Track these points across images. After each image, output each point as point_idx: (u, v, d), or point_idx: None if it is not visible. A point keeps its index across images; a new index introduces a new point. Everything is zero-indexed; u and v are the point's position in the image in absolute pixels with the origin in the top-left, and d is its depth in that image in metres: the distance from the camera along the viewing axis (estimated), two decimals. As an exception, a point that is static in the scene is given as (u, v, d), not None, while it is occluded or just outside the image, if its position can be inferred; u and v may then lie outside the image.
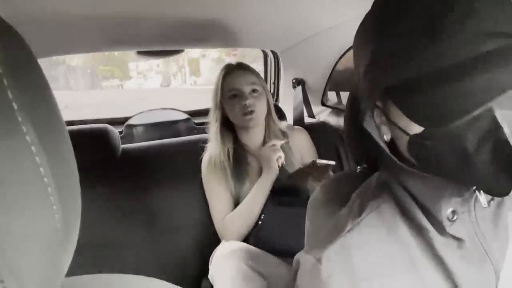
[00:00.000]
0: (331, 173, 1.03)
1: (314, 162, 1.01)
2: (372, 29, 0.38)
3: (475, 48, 0.29)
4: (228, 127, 1.12)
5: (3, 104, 0.16)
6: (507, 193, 0.33)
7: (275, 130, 1.16)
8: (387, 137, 0.40)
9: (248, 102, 1.04)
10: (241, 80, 1.07)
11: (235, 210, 1.06)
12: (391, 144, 0.41)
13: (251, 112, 1.05)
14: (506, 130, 0.31)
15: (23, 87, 0.18)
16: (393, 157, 0.38)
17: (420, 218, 0.39)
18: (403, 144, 0.38)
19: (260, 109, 1.08)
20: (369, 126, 0.39)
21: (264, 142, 1.15)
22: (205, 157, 1.15)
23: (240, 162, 1.11)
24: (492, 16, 0.30)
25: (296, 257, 0.45)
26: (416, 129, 0.34)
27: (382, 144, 0.39)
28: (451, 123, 0.30)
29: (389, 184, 0.42)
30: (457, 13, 0.30)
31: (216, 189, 1.10)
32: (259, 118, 1.10)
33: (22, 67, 0.19)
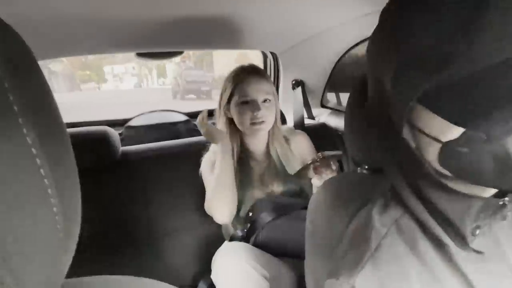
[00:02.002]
0: (335, 166, 1.02)
1: (322, 154, 1.00)
2: (395, 32, 0.36)
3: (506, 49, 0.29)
4: (235, 129, 1.11)
5: (3, 107, 0.17)
6: None
7: (279, 136, 1.16)
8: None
9: (260, 113, 1.03)
10: (256, 88, 1.04)
11: (208, 192, 1.07)
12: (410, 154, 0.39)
13: (261, 122, 1.04)
14: None
15: (24, 90, 0.18)
16: (432, 168, 0.37)
17: (439, 232, 0.38)
18: (431, 152, 0.36)
19: (270, 119, 1.07)
20: (407, 136, 0.38)
21: (267, 147, 1.15)
22: (208, 155, 1.14)
23: (244, 166, 1.10)
24: None
25: (326, 285, 0.44)
26: (451, 135, 0.33)
27: (418, 154, 0.37)
28: (493, 125, 0.29)
29: (404, 196, 0.41)
30: (494, 15, 0.29)
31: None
32: (267, 128, 1.09)
33: (23, 69, 0.19)
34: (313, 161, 1.00)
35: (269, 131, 1.14)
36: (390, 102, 0.38)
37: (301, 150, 1.19)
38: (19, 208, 0.17)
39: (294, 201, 1.07)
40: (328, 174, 0.96)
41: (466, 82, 0.30)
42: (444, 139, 0.33)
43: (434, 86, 0.32)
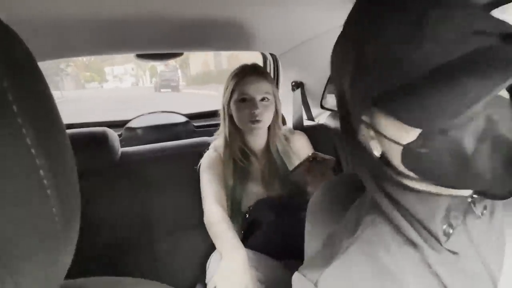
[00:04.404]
0: (328, 170, 1.03)
1: (314, 154, 1.01)
2: (353, 39, 0.37)
3: (460, 48, 0.30)
4: (237, 126, 1.12)
5: (3, 106, 0.17)
6: (511, 194, 0.33)
7: (279, 135, 1.17)
8: (377, 152, 0.39)
9: (257, 111, 1.04)
10: (255, 87, 1.05)
11: (212, 226, 1.01)
12: (382, 160, 0.39)
13: (258, 121, 1.05)
14: (502, 126, 0.30)
15: (23, 90, 0.18)
16: (399, 171, 0.37)
17: (412, 235, 0.38)
18: (395, 156, 0.36)
19: (267, 118, 1.08)
20: (366, 135, 0.38)
21: (267, 146, 1.15)
22: (209, 153, 1.14)
23: (244, 163, 1.11)
24: (468, 18, 0.30)
25: (293, 280, 0.44)
26: (409, 137, 0.33)
27: (376, 158, 0.38)
28: (448, 122, 0.30)
29: (377, 199, 0.41)
30: (436, 16, 0.31)
31: (215, 180, 1.08)
32: (264, 127, 1.10)
33: (22, 69, 0.19)
34: (305, 161, 1.01)
35: (269, 129, 1.15)
36: (348, 105, 0.39)
37: (299, 150, 1.19)
38: (18, 208, 0.17)
39: (294, 201, 1.07)
40: (320, 179, 0.96)
41: (416, 83, 0.31)
42: (404, 141, 0.34)
43: (388, 90, 0.33)
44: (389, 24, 0.33)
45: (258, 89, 1.05)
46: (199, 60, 20.82)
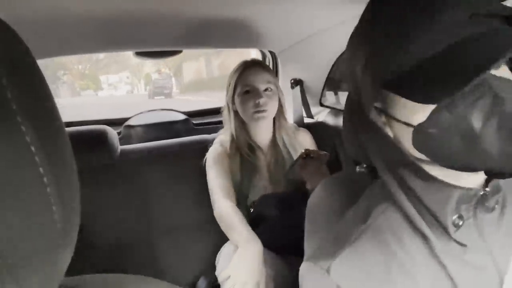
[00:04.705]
0: (322, 166, 1.03)
1: (307, 151, 1.02)
2: (367, 28, 0.39)
3: (468, 29, 0.31)
4: (242, 121, 1.13)
5: (2, 104, 0.17)
6: None
7: (286, 127, 1.17)
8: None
9: (261, 100, 1.05)
10: (256, 78, 1.07)
11: (224, 219, 1.00)
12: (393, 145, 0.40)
13: (264, 110, 1.06)
14: (509, 103, 0.31)
15: (22, 88, 0.18)
16: (410, 155, 0.38)
17: (422, 225, 0.38)
18: (406, 139, 0.37)
19: (272, 107, 1.09)
20: (378, 120, 0.39)
21: (273, 139, 1.16)
22: (215, 147, 1.14)
23: (251, 157, 1.11)
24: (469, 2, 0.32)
25: (301, 269, 0.44)
26: (419, 118, 0.34)
27: (395, 142, 0.38)
28: (454, 93, 0.31)
29: (390, 188, 0.41)
30: (444, 3, 0.32)
31: (222, 174, 1.07)
32: (270, 117, 1.11)
33: (21, 67, 0.19)
34: (298, 159, 1.01)
35: (275, 122, 1.15)
36: (362, 91, 0.40)
37: (304, 147, 1.19)
38: (17, 206, 0.17)
39: (299, 196, 1.07)
40: (316, 175, 0.97)
41: (426, 63, 0.32)
42: (415, 122, 0.35)
43: (399, 71, 0.34)
44: (400, 6, 0.34)
45: (260, 79, 1.07)
46: (192, 68, 21.48)
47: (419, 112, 0.34)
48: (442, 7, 0.32)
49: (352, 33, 0.42)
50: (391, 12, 0.35)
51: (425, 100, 0.33)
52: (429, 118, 0.33)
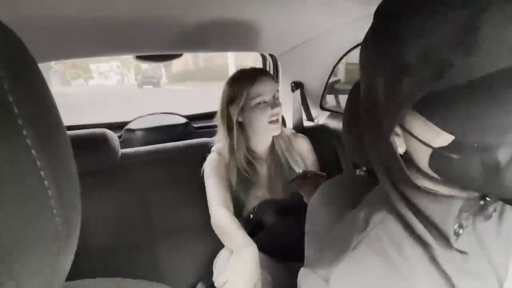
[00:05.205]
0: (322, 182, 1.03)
1: (305, 172, 1.02)
2: (387, 43, 0.35)
3: (509, 59, 0.28)
4: (243, 132, 1.11)
5: (3, 108, 0.17)
6: None
7: (283, 135, 1.16)
8: (401, 149, 0.38)
9: (276, 110, 1.04)
10: (267, 88, 1.04)
11: (221, 228, 0.99)
12: (403, 157, 0.39)
13: (277, 120, 1.05)
14: None
15: (24, 91, 0.18)
16: (421, 170, 0.37)
17: (423, 233, 0.38)
18: (422, 157, 0.36)
19: (280, 117, 1.09)
20: (394, 140, 0.37)
21: (272, 147, 1.15)
22: (213, 156, 1.13)
23: (249, 167, 1.10)
24: None
25: (299, 276, 0.44)
26: (441, 141, 0.32)
27: (399, 158, 0.37)
28: (488, 137, 0.29)
29: (390, 197, 0.41)
30: (490, 24, 0.28)
31: (220, 183, 1.06)
32: (280, 126, 1.10)
33: (23, 71, 0.19)
34: (297, 178, 1.01)
35: None
36: (382, 108, 0.37)
37: (301, 152, 1.19)
38: (19, 210, 0.17)
39: (298, 203, 1.07)
40: (314, 191, 0.97)
41: (461, 90, 0.30)
42: (435, 144, 0.33)
43: (429, 94, 0.32)
44: (436, 22, 0.30)
45: (272, 89, 1.05)
46: (180, 60, 22.88)
47: (441, 136, 0.32)
48: (490, 26, 0.28)
49: (367, 39, 0.39)
50: (422, 22, 0.31)
51: (456, 133, 0.31)
52: (452, 143, 0.32)
